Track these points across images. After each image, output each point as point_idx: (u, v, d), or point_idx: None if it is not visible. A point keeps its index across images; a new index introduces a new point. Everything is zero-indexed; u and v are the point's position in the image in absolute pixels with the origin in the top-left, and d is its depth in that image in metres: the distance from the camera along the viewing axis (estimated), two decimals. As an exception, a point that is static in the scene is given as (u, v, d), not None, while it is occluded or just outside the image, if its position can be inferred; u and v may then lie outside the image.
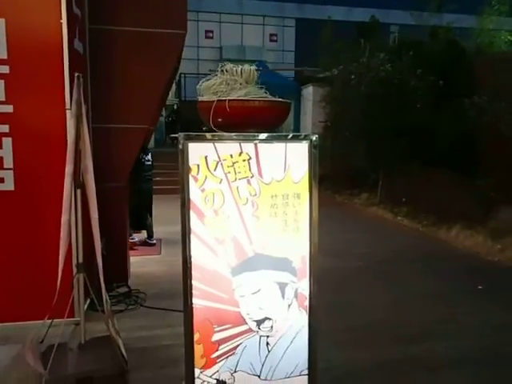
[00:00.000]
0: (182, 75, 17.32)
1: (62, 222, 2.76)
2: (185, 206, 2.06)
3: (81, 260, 3.00)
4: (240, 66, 2.23)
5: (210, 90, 2.20)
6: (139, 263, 5.30)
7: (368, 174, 10.70)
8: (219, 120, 2.18)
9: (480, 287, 4.74)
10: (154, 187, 10.60)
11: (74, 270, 3.09)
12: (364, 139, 9.94)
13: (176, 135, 2.12)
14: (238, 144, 2.08)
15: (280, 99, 2.24)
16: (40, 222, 3.44)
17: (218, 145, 2.06)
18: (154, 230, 6.58)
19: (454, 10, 14.42)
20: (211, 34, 21.51)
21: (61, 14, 3.47)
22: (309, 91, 13.88)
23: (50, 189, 3.34)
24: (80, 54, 3.93)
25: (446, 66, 10.18)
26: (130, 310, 4.01)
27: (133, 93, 4.24)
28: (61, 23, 3.45)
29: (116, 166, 4.35)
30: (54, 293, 2.90)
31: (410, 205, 8.77)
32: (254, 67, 2.27)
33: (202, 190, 2.07)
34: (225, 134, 2.08)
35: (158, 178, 11.31)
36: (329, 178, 11.83)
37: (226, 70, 2.24)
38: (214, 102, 2.12)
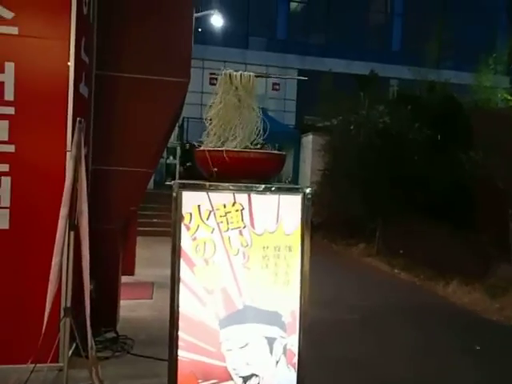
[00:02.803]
0: (186, 119, 17.65)
1: (52, 264, 2.73)
2: (175, 253, 2.05)
3: (69, 304, 2.95)
4: (240, 71, 2.29)
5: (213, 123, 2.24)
6: (129, 307, 5.18)
7: (366, 224, 10.69)
8: (214, 169, 2.21)
9: (478, 347, 4.61)
10: (152, 229, 10.64)
11: (62, 313, 3.03)
12: (362, 189, 10.01)
13: (171, 183, 2.14)
14: (231, 194, 2.10)
15: (275, 151, 2.28)
16: (31, 263, 3.40)
17: (211, 194, 2.08)
18: (149, 272, 6.51)
19: (451, 66, 14.86)
20: (215, 81, 22.10)
21: (69, 59, 3.59)
22: (308, 139, 14.13)
23: (44, 229, 3.31)
24: (85, 97, 4.04)
25: (443, 120, 10.42)
26: (116, 356, 3.88)
27: (133, 137, 4.32)
28: (68, 69, 3.56)
29: (112, 207, 4.36)
30: (39, 336, 2.83)
31: (407, 257, 8.71)
32: (253, 74, 2.33)
33: (194, 239, 2.06)
34: (219, 183, 2.11)
35: (155, 220, 11.36)
36: (326, 226, 11.81)
37: (228, 75, 2.29)
38: (210, 151, 2.16)
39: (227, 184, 2.11)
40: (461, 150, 9.59)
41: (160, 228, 10.68)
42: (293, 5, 23.72)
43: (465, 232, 8.40)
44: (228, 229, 2.09)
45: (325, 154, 12.46)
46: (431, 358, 4.30)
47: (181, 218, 2.05)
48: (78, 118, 2.88)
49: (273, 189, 2.16)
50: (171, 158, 18.50)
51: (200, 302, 2.07)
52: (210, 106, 2.39)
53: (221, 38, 20.68)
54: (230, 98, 2.30)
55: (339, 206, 11.62)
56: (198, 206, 2.06)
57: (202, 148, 2.25)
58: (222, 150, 2.15)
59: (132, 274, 6.54)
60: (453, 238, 8.38)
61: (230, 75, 2.31)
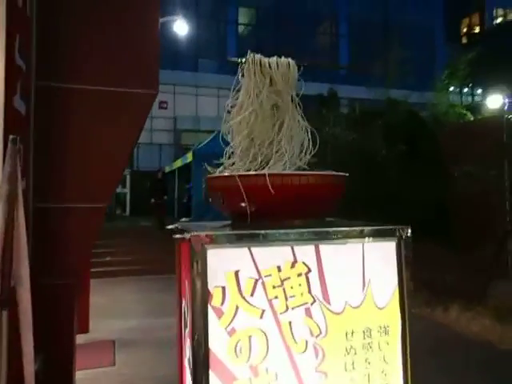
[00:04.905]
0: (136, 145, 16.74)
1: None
2: (199, 361, 1.14)
3: (4, 423, 1.92)
4: (274, 58, 1.49)
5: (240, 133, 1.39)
6: (87, 381, 4.02)
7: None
8: (242, 205, 1.35)
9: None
10: (106, 269, 9.42)
11: None
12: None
13: (178, 233, 1.25)
14: (289, 248, 1.23)
15: (337, 173, 1.46)
16: None
17: (256, 251, 1.20)
18: (106, 326, 5.40)
19: (399, 86, 15.01)
20: (165, 105, 21.26)
21: (-2, 63, 2.63)
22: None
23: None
24: (21, 114, 3.04)
25: (409, 135, 10.31)
26: None
27: (90, 164, 3.33)
28: (-3, 76, 2.60)
29: (65, 257, 3.32)
30: None
31: (392, 281, 8.09)
32: (292, 61, 1.53)
33: (231, 333, 1.17)
34: (269, 230, 1.23)
35: (108, 258, 10.11)
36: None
37: (257, 63, 1.48)
38: (240, 177, 1.30)
39: (281, 231, 1.24)
40: (432, 163, 9.38)
41: (114, 267, 9.48)
42: (241, 28, 23.64)
43: (451, 250, 7.93)
44: (287, 308, 1.21)
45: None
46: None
47: (207, 296, 1.15)
48: (10, 137, 1.92)
49: (352, 233, 1.32)
50: (120, 186, 17.48)
51: None
52: (228, 111, 1.57)
53: (170, 61, 20.02)
54: (263, 98, 1.47)
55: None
56: (236, 272, 1.18)
57: (223, 173, 1.39)
58: (262, 175, 1.29)
59: (86, 331, 5.36)
60: (440, 256, 7.88)
61: (260, 63, 1.48)
